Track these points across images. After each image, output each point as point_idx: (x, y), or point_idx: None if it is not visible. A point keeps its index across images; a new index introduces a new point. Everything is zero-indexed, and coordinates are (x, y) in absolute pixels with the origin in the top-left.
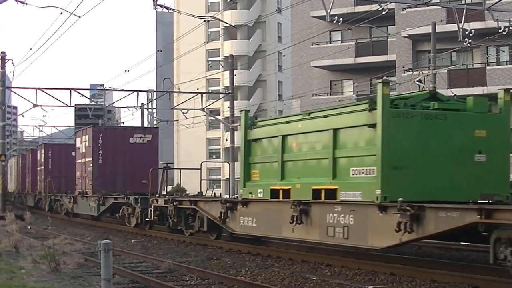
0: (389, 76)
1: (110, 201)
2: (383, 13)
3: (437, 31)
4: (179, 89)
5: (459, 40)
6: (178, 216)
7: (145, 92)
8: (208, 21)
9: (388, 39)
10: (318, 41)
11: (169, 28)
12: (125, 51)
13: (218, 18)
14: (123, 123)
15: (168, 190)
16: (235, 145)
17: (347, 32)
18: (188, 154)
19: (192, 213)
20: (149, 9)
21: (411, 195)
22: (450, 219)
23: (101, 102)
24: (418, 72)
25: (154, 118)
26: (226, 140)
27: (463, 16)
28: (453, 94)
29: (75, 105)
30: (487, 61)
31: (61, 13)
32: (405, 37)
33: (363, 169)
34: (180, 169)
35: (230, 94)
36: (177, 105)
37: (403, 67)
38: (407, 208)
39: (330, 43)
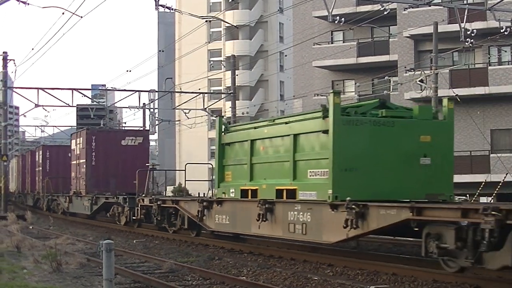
0: (391, 76)
1: (102, 200)
2: (385, 13)
3: (439, 31)
4: (180, 89)
5: (461, 40)
6: (161, 215)
7: (147, 92)
8: (210, 21)
9: (390, 39)
10: (320, 41)
11: (171, 28)
12: (127, 51)
13: (220, 18)
14: (125, 123)
15: (171, 191)
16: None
17: (349, 32)
18: (190, 154)
19: (174, 212)
20: (151, 9)
21: (360, 195)
22: (389, 216)
23: (103, 102)
24: (420, 72)
25: (156, 118)
26: None
27: (465, 16)
28: (455, 94)
29: (77, 105)
30: (489, 61)
31: (63, 13)
32: (407, 37)
33: (318, 171)
34: (166, 170)
35: (232, 94)
36: (179, 105)
37: (405, 67)
38: (353, 206)
39: (332, 43)
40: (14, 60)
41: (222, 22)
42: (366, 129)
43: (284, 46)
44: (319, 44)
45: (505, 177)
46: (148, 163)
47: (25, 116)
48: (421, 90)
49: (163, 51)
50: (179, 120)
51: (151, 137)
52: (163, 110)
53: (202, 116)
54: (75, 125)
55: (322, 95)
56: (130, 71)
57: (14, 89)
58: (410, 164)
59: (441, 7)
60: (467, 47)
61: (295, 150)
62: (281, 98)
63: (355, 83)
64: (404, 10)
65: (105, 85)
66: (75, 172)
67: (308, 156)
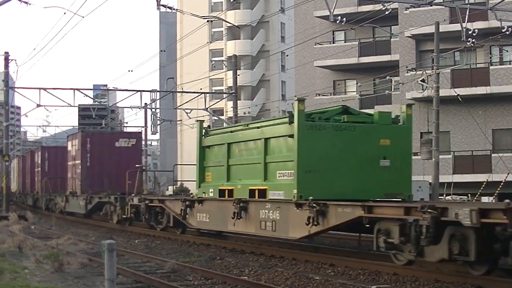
0: (392, 76)
1: (96, 200)
2: (387, 13)
3: (440, 31)
4: (182, 89)
5: (462, 40)
6: (149, 213)
7: (149, 92)
8: (211, 21)
9: (391, 39)
10: (321, 41)
11: (173, 28)
12: (129, 51)
13: (221, 18)
14: (127, 123)
15: (173, 191)
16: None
17: (350, 32)
18: (191, 154)
19: (160, 211)
20: (152, 9)
21: (323, 195)
22: (346, 213)
23: (105, 102)
24: (421, 72)
25: (158, 118)
26: None
27: (466, 16)
28: (456, 94)
29: (79, 105)
30: (491, 60)
31: (65, 13)
32: (409, 37)
33: (285, 172)
34: (154, 171)
35: (233, 94)
36: (181, 105)
37: (406, 67)
38: (314, 205)
39: (333, 43)
40: (15, 60)
41: (224, 22)
42: (329, 134)
43: (286, 46)
44: (321, 44)
45: (506, 177)
46: (140, 164)
47: (26, 116)
48: (423, 90)
49: (164, 51)
50: (181, 120)
51: (153, 137)
52: (165, 110)
53: (203, 116)
54: (77, 125)
55: (323, 95)
56: (131, 71)
57: (16, 89)
58: (370, 166)
59: (443, 6)
60: (468, 47)
61: (266, 153)
62: (283, 98)
63: (357, 83)
64: (406, 10)
65: (106, 85)
66: (71, 173)
67: (277, 158)
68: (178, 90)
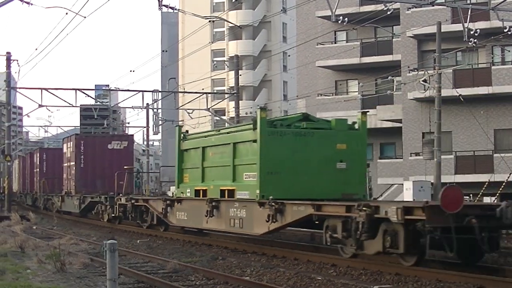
0: (394, 76)
1: (88, 200)
2: (388, 13)
3: (442, 31)
4: (184, 89)
5: (464, 40)
6: (135, 212)
7: (150, 92)
8: (213, 21)
9: (393, 39)
10: (323, 41)
11: (174, 29)
12: (130, 52)
13: (223, 18)
14: (128, 123)
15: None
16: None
17: (352, 32)
18: None
19: (145, 210)
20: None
21: (284, 195)
22: (300, 211)
23: (107, 102)
24: (423, 72)
25: (159, 118)
26: None
27: (468, 16)
28: (458, 94)
29: (81, 105)
30: (492, 61)
31: (67, 14)
32: (410, 37)
33: (250, 174)
34: (143, 172)
35: (235, 94)
36: (182, 105)
37: (408, 67)
38: (273, 203)
39: (335, 43)
40: (17, 60)
41: (226, 22)
42: (289, 139)
43: (288, 46)
44: (323, 44)
45: (508, 177)
46: (131, 166)
47: (28, 116)
48: (425, 90)
49: (166, 51)
50: (183, 120)
51: (154, 137)
52: (167, 110)
53: (205, 116)
54: (79, 125)
55: (325, 95)
56: (133, 71)
57: (18, 89)
58: (328, 168)
59: (445, 7)
60: (470, 47)
61: (234, 156)
62: (285, 98)
63: (359, 83)
64: (408, 10)
65: (108, 85)
66: (66, 174)
67: (243, 161)
68: (179, 90)
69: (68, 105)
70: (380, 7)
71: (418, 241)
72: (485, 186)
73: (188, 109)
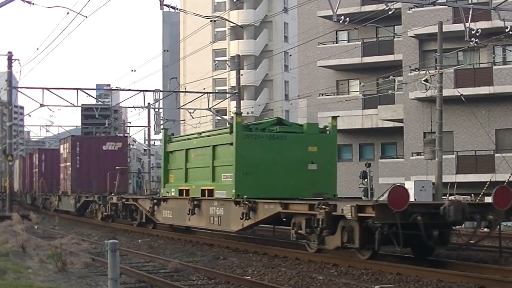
0: (395, 76)
1: (83, 199)
2: (390, 12)
3: (443, 30)
4: (185, 89)
5: (465, 39)
6: (125, 211)
7: (152, 92)
8: (214, 21)
9: (395, 39)
10: (324, 41)
11: (176, 28)
12: (132, 51)
13: (224, 18)
14: (130, 123)
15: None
16: None
17: (354, 32)
18: None
19: (135, 208)
20: (155, 9)
21: (258, 194)
22: (270, 209)
23: (108, 102)
24: (424, 71)
25: (161, 118)
26: None
27: (470, 16)
28: (459, 94)
29: (82, 105)
30: (494, 60)
31: (68, 13)
32: (412, 36)
33: (227, 175)
34: (132, 172)
35: (236, 94)
36: (184, 105)
37: (410, 66)
38: (247, 202)
39: (336, 42)
40: (19, 60)
41: (227, 21)
42: (263, 142)
43: (289, 46)
44: (324, 44)
45: (510, 177)
46: (126, 166)
47: (30, 116)
48: (426, 89)
49: (167, 50)
50: (184, 120)
51: (156, 136)
52: (168, 110)
53: (207, 116)
54: (80, 125)
55: (327, 95)
56: (134, 71)
57: (19, 89)
58: (300, 169)
59: (446, 6)
60: (472, 47)
61: (213, 158)
62: (286, 98)
63: (360, 83)
64: (409, 10)
65: (110, 85)
66: (63, 174)
67: (222, 162)
68: (181, 90)
69: (70, 104)
70: (381, 6)
71: (372, 236)
72: (486, 186)
73: (190, 108)
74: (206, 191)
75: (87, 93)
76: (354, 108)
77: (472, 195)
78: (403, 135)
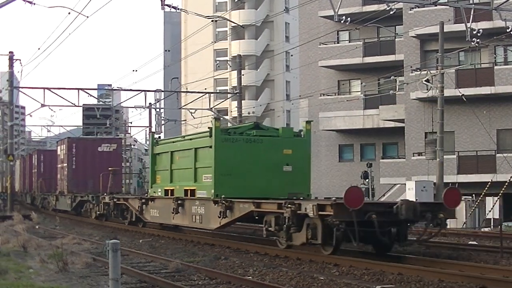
0: (397, 76)
1: (78, 198)
2: (391, 12)
3: (445, 30)
4: (186, 89)
5: (467, 39)
6: (117, 210)
7: (153, 92)
8: (215, 21)
9: (396, 39)
10: (325, 41)
11: (177, 28)
12: (133, 51)
13: (225, 18)
14: (131, 123)
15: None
16: None
17: (355, 32)
18: None
19: (125, 207)
20: (156, 9)
21: (236, 194)
22: (244, 208)
23: (109, 102)
24: (426, 72)
25: (162, 118)
26: None
27: (471, 16)
28: (461, 94)
29: (83, 105)
30: (495, 60)
31: (69, 13)
32: (413, 36)
33: (208, 176)
34: (125, 173)
35: (237, 94)
36: (185, 105)
37: (411, 66)
38: (224, 201)
39: (337, 43)
40: (20, 60)
41: (228, 21)
42: (241, 145)
43: (290, 46)
44: (325, 44)
45: (511, 177)
46: (120, 167)
47: (31, 116)
48: (427, 90)
49: (169, 50)
50: (185, 120)
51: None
52: (169, 110)
53: (208, 116)
54: (81, 125)
55: (328, 95)
56: (136, 71)
57: (20, 89)
58: (275, 170)
59: (447, 6)
60: (473, 47)
61: (195, 160)
62: (287, 98)
63: (361, 83)
64: (410, 10)
65: (111, 84)
66: (60, 174)
67: (202, 164)
68: (182, 90)
69: (71, 104)
70: (383, 7)
71: (333, 233)
72: (487, 186)
73: (191, 108)
74: (189, 191)
75: (88, 93)
76: (355, 108)
77: (473, 195)
78: (404, 135)
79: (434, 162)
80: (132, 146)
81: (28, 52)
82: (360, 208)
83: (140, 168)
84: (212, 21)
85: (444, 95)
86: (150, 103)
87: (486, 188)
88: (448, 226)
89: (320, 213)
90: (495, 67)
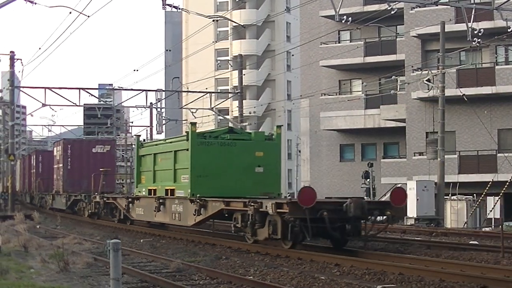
0: (398, 76)
1: (72, 198)
2: (392, 12)
3: (446, 30)
4: (188, 88)
5: (468, 39)
6: (107, 209)
7: (154, 92)
8: (217, 20)
9: (397, 39)
10: (327, 41)
11: (178, 28)
12: (134, 51)
13: (227, 17)
14: (132, 122)
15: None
16: None
17: (356, 32)
18: None
19: (114, 206)
20: (158, 9)
21: (210, 193)
22: (216, 206)
23: (110, 101)
24: (427, 71)
25: (163, 118)
26: None
27: (472, 16)
28: (462, 94)
29: (84, 104)
30: (496, 60)
31: (70, 13)
32: (414, 36)
33: (185, 176)
34: (115, 174)
35: (239, 94)
36: (186, 105)
37: (412, 66)
38: (198, 200)
39: (339, 42)
40: (21, 59)
41: (229, 21)
42: (216, 148)
43: (291, 46)
44: (326, 44)
45: None
46: (114, 167)
47: (32, 115)
48: (428, 89)
49: (170, 50)
50: (186, 120)
51: (159, 136)
52: (170, 109)
53: (209, 116)
54: (82, 124)
55: (329, 95)
56: (137, 70)
57: (21, 89)
58: (248, 171)
59: (448, 6)
60: (474, 47)
61: (175, 162)
62: (288, 98)
63: (362, 83)
64: (411, 10)
65: (112, 84)
66: (56, 175)
67: (181, 166)
68: (183, 90)
69: (72, 104)
70: (384, 6)
71: (290, 229)
72: (488, 185)
73: (192, 108)
74: (169, 190)
75: (89, 93)
76: (356, 108)
77: (474, 195)
78: (406, 135)
79: (435, 162)
80: (133, 146)
81: (29, 51)
82: (313, 206)
83: None
84: (213, 20)
85: (445, 95)
86: (151, 103)
87: (487, 188)
88: (448, 226)
89: (278, 210)
90: (496, 67)
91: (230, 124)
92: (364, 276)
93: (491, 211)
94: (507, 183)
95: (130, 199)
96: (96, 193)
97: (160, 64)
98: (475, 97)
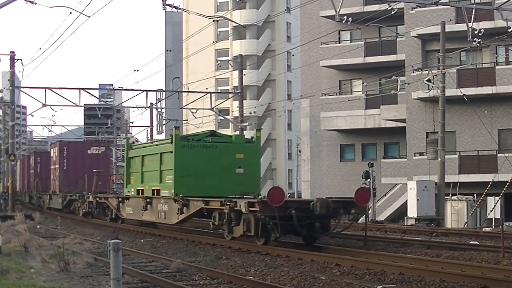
0: (398, 76)
1: (68, 198)
2: (392, 12)
3: (446, 30)
4: (188, 88)
5: (468, 39)
6: (99, 208)
7: (154, 92)
8: (217, 20)
9: (397, 39)
10: (327, 41)
11: (178, 28)
12: (134, 51)
13: (227, 17)
14: (132, 122)
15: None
16: None
17: (356, 32)
18: None
19: (106, 206)
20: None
21: (193, 193)
22: (197, 205)
23: (110, 101)
24: (427, 71)
25: (163, 118)
26: None
27: (472, 16)
28: (462, 94)
29: (84, 104)
30: (496, 60)
31: (70, 13)
32: (414, 36)
33: (170, 177)
34: (110, 175)
35: (239, 94)
36: (186, 105)
37: (412, 66)
38: (181, 200)
39: (339, 42)
40: (21, 59)
41: (230, 21)
42: (198, 150)
43: (292, 46)
44: (327, 44)
45: None
46: (108, 168)
47: (32, 115)
48: (429, 89)
49: (170, 50)
50: (187, 120)
51: (159, 136)
52: (171, 109)
53: (209, 116)
54: (83, 124)
55: (329, 95)
56: (137, 70)
57: (22, 89)
58: (229, 172)
59: (449, 6)
60: (474, 47)
61: (160, 163)
62: (289, 98)
63: (363, 83)
64: (412, 10)
65: (112, 84)
66: (53, 175)
67: (166, 167)
68: (183, 90)
69: (72, 104)
70: (384, 6)
71: (262, 226)
72: (489, 186)
73: (192, 108)
74: (156, 190)
75: (89, 93)
76: (356, 108)
77: (475, 195)
78: (406, 135)
79: (435, 162)
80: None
81: (29, 51)
82: (281, 205)
83: None
84: (213, 21)
85: (446, 95)
86: (151, 103)
87: (487, 188)
88: (449, 226)
89: (251, 209)
90: (497, 67)
91: (231, 124)
92: (364, 276)
93: (491, 211)
94: (508, 183)
95: (120, 199)
96: (90, 193)
97: (160, 64)
98: (475, 97)
